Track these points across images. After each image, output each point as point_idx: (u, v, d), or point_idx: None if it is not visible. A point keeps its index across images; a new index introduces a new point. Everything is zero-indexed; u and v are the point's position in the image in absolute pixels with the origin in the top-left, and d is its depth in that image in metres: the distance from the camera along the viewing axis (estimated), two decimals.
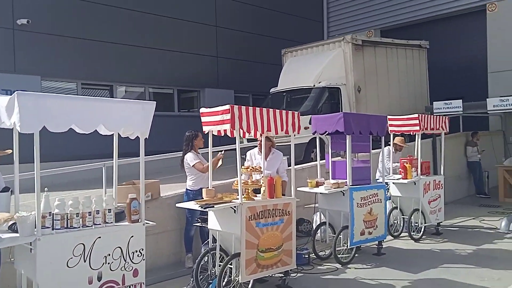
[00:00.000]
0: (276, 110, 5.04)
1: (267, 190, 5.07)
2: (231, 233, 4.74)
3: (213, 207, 4.44)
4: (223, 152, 5.91)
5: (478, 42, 15.28)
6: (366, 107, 11.59)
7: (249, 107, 4.71)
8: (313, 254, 6.33)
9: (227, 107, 4.56)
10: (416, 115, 7.37)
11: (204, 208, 4.40)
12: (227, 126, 4.59)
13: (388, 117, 7.91)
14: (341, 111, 11.09)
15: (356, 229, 6.14)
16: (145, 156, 3.92)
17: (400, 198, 7.76)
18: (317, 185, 6.28)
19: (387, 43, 12.90)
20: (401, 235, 7.72)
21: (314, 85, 11.16)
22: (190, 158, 5.79)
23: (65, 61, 11.71)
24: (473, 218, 9.31)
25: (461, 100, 10.49)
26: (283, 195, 6.22)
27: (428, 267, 6.02)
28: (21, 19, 10.88)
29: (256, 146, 6.38)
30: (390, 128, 7.88)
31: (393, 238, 7.67)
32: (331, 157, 6.69)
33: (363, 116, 6.45)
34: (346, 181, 6.14)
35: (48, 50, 11.42)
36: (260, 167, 5.26)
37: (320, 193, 6.17)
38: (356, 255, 6.52)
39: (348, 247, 6.14)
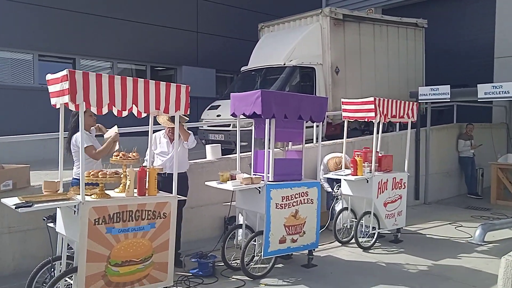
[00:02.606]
0: (151, 81, 3.88)
1: (137, 185, 3.98)
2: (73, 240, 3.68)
3: (32, 206, 3.35)
4: (117, 131, 4.83)
5: (485, 24, 13.64)
6: (345, 91, 10.27)
7: (103, 74, 3.58)
8: (223, 263, 5.24)
9: (65, 72, 3.44)
10: (371, 99, 6.09)
11: (16, 208, 3.33)
12: (66, 98, 3.48)
13: (342, 100, 6.70)
14: (315, 93, 9.89)
15: (273, 235, 5.00)
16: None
17: (352, 198, 6.55)
18: (231, 178, 5.14)
19: (375, 19, 11.45)
20: (350, 241, 6.53)
21: (284, 64, 9.90)
22: (80, 139, 4.69)
23: (19, 30, 10.74)
24: (450, 223, 8.01)
25: (449, 86, 9.08)
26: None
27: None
28: None
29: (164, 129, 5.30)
30: (344, 114, 6.66)
31: (340, 244, 6.50)
32: (256, 146, 5.50)
33: (291, 96, 5.22)
34: (263, 176, 4.99)
35: (1, 17, 10.47)
36: (136, 155, 4.13)
37: (228, 189, 5.02)
38: (281, 265, 5.43)
39: (262, 258, 5.01)
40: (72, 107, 3.92)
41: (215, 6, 14.52)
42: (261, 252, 4.98)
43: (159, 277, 4.04)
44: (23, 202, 3.37)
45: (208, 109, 10.20)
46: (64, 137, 4.27)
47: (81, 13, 11.68)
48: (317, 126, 5.55)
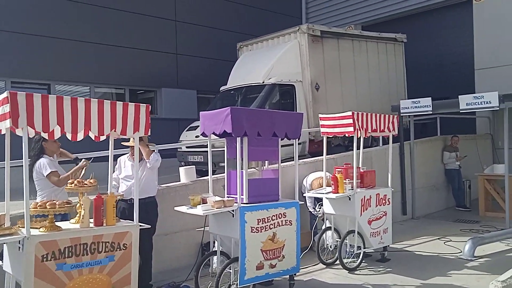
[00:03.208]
0: (106, 101, 3.59)
1: (94, 214, 3.64)
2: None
3: None
4: (85, 162, 4.54)
5: (464, 36, 13.73)
6: (326, 107, 10.08)
7: (50, 95, 3.29)
8: None
9: (5, 94, 3.14)
10: (349, 113, 5.87)
11: None
12: (8, 123, 3.17)
13: (320, 116, 6.48)
14: (296, 111, 9.68)
15: (250, 261, 4.66)
16: None
17: (334, 217, 6.26)
18: (203, 202, 4.82)
19: (354, 35, 11.42)
20: (335, 263, 6.20)
21: (263, 82, 9.71)
22: (44, 165, 4.38)
23: None
24: (439, 238, 7.73)
25: (430, 98, 8.95)
26: None
27: None
28: None
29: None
30: (322, 130, 6.43)
31: (325, 266, 6.16)
32: (229, 167, 5.20)
33: (263, 113, 4.99)
34: (236, 198, 4.68)
35: None
36: (94, 182, 3.80)
37: (198, 214, 4.68)
38: None
39: (238, 286, 4.65)
40: (20, 132, 3.59)
41: (194, 27, 14.39)
42: (237, 281, 4.61)
43: None
44: None
45: (187, 130, 9.92)
46: (12, 166, 3.91)
47: (55, 38, 11.43)
48: (296, 143, 5.26)
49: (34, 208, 3.39)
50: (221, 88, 10.83)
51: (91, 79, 12.48)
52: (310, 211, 6.78)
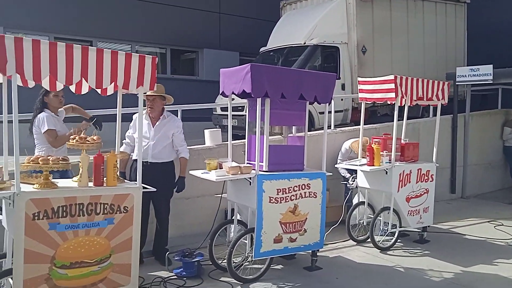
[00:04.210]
0: (106, 50, 3.25)
1: (93, 173, 3.39)
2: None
3: None
4: (85, 123, 4.30)
5: None
6: (373, 73, 9.24)
7: (42, 40, 2.97)
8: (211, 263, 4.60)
9: None
10: (391, 77, 5.20)
11: None
12: None
13: (359, 79, 5.85)
14: (339, 76, 9.01)
15: (267, 233, 4.29)
16: None
17: (369, 191, 5.72)
18: (220, 167, 4.47)
19: None
20: (367, 240, 5.71)
21: (304, 43, 9.06)
22: (43, 121, 4.18)
23: (35, 11, 10.48)
24: (489, 221, 6.99)
25: (491, 65, 7.93)
26: (182, 177, 4.64)
27: None
28: None
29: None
30: (360, 95, 5.81)
31: (355, 244, 5.70)
32: (250, 131, 4.76)
33: (289, 72, 4.43)
34: (254, 165, 4.27)
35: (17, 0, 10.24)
36: (97, 139, 3.53)
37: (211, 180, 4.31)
38: (280, 266, 4.74)
39: (253, 259, 4.32)
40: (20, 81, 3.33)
41: None
42: (252, 253, 4.28)
43: (120, 281, 3.46)
44: None
45: None
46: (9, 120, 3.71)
47: None
48: (326, 108, 4.70)
49: (27, 163, 3.17)
50: (261, 49, 10.28)
51: (133, 37, 12.34)
52: (343, 182, 6.27)
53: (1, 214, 3.49)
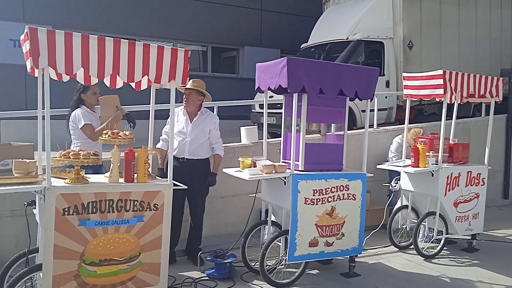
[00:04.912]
0: (138, 43, 3.18)
1: (124, 169, 3.33)
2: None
3: None
4: (119, 111, 4.25)
5: None
6: (420, 69, 8.78)
7: (74, 33, 2.94)
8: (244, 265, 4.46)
9: (26, 29, 2.86)
10: (440, 72, 4.84)
11: None
12: (29, 62, 2.92)
13: (404, 74, 5.51)
14: (383, 72, 8.63)
15: (301, 236, 4.09)
16: None
17: (413, 194, 5.37)
18: (254, 166, 4.32)
19: None
20: (410, 247, 5.37)
21: (347, 38, 8.74)
22: (79, 117, 4.21)
23: (78, 11, 10.81)
24: None
25: None
26: (213, 173, 4.54)
27: None
28: None
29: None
30: (405, 92, 5.46)
31: (397, 250, 5.38)
32: (286, 129, 4.57)
33: (327, 66, 4.18)
34: (290, 164, 4.09)
35: None
36: (129, 134, 3.46)
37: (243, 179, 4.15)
38: (315, 271, 4.53)
39: (287, 263, 4.14)
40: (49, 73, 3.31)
41: None
42: (286, 256, 4.10)
43: (149, 280, 3.38)
44: None
45: None
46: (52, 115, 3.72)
47: None
48: (369, 105, 4.44)
49: (58, 157, 3.16)
50: (302, 46, 10.05)
51: (175, 35, 12.43)
52: (385, 184, 5.95)
53: (35, 209, 3.52)
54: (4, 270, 3.34)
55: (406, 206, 5.44)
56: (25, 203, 3.41)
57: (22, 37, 3.08)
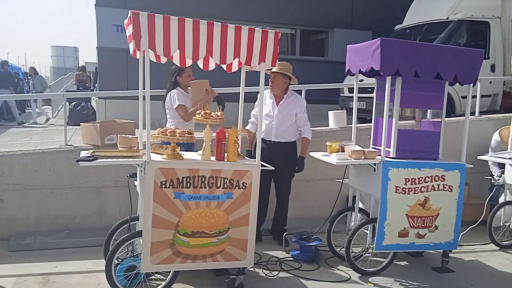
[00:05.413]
0: (230, 25, 3.25)
1: (215, 148, 3.46)
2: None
3: (93, 160, 3.12)
4: (210, 93, 4.39)
5: None
6: None
7: (171, 16, 3.09)
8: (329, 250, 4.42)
9: (129, 14, 3.06)
10: None
11: (77, 161, 3.13)
12: (132, 45, 3.14)
13: None
14: (488, 55, 7.90)
15: (390, 226, 3.93)
16: None
17: None
18: (342, 151, 4.22)
19: None
20: None
21: (447, 18, 8.10)
22: (174, 98, 4.46)
23: None
24: None
25: None
26: (302, 157, 4.54)
27: None
28: None
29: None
30: None
31: (497, 248, 4.95)
32: (377, 113, 4.37)
33: (423, 47, 3.86)
34: (380, 150, 3.92)
35: None
36: (221, 115, 3.58)
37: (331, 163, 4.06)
38: (404, 263, 4.35)
39: (374, 251, 4.02)
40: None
41: None
42: (373, 244, 3.99)
43: (237, 255, 3.51)
44: (88, 156, 3.19)
45: None
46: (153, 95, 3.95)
47: None
48: (470, 90, 4.09)
49: (157, 134, 3.38)
50: (396, 27, 9.53)
51: (264, 18, 12.49)
52: (487, 178, 5.47)
53: (136, 181, 3.81)
54: (109, 234, 3.70)
55: (510, 202, 4.96)
56: (128, 174, 3.71)
57: (125, 21, 3.31)
